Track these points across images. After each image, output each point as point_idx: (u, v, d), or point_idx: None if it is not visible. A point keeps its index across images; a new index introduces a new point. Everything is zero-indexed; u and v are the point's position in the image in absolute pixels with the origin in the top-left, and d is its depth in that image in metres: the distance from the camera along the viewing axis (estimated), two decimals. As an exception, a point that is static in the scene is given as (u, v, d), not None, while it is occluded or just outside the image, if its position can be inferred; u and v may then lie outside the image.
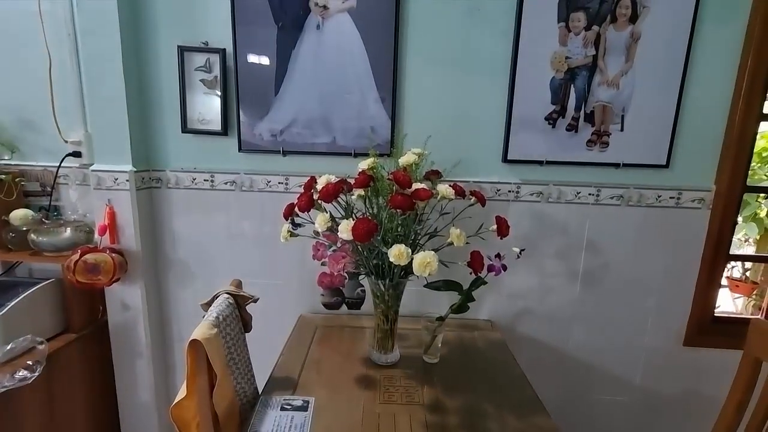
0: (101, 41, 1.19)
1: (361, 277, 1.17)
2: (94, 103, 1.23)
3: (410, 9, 1.21)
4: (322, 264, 1.10)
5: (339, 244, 1.05)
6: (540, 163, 1.26)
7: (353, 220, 0.85)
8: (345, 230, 0.86)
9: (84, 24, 1.19)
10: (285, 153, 1.28)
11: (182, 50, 1.24)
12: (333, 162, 1.28)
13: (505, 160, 1.26)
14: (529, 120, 1.23)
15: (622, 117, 1.22)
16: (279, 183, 1.31)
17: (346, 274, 1.22)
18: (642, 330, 1.34)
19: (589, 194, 1.28)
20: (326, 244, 1.08)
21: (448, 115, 1.25)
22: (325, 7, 1.20)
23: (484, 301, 1.35)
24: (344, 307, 1.38)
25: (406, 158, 0.95)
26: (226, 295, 0.97)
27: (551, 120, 1.23)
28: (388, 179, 0.92)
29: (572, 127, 1.24)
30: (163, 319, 1.41)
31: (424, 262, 0.82)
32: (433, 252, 0.84)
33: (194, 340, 0.78)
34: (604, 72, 1.20)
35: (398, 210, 0.86)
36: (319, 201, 0.93)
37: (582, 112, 1.23)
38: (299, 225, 1.09)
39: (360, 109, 1.25)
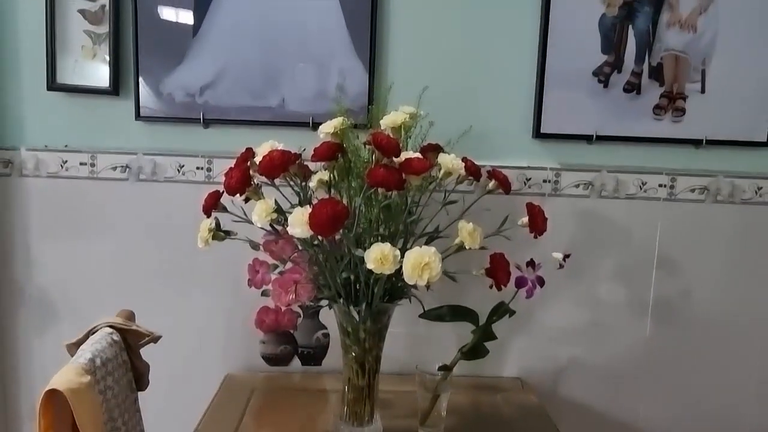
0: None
1: (323, 307, 1.14)
2: None
3: None
4: (263, 294, 1.07)
5: (287, 261, 1.02)
6: (588, 139, 1.27)
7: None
8: (299, 222, 0.83)
9: None
10: (208, 123, 1.27)
11: (52, -34, 1.22)
12: (281, 136, 1.21)
13: (537, 134, 1.27)
14: (571, 76, 1.24)
15: (703, 73, 1.26)
16: (198, 168, 1.29)
17: (299, 310, 1.19)
18: (744, 394, 1.34)
19: (660, 186, 1.30)
20: (269, 263, 1.05)
21: (453, 68, 1.26)
22: None
23: (509, 348, 1.33)
24: (297, 361, 1.35)
25: (392, 117, 0.95)
26: (109, 330, 0.94)
27: (602, 76, 1.25)
28: (366, 143, 0.91)
29: (632, 87, 1.26)
30: (6, 382, 1.34)
31: (421, 261, 0.80)
32: (433, 249, 0.83)
33: (52, 391, 0.74)
34: (675, 7, 1.24)
35: (380, 191, 0.84)
36: (258, 180, 0.92)
37: (646, 65, 1.25)
38: (227, 232, 1.06)
39: (321, 58, 1.25)
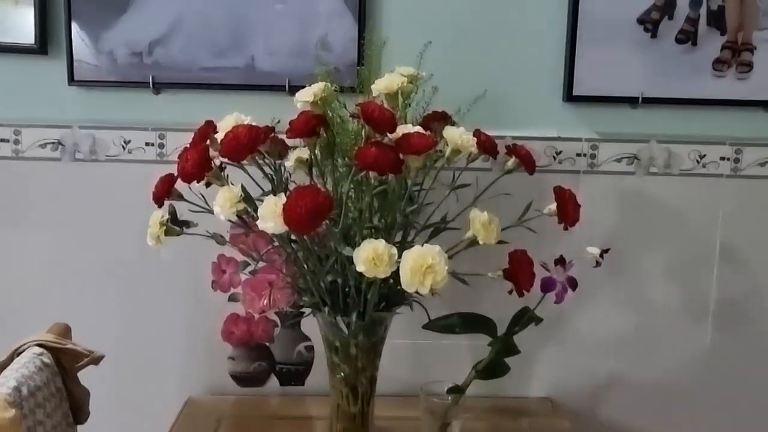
0: None
1: (304, 315, 1.15)
2: None
3: None
4: (231, 299, 1.07)
5: (260, 259, 1.03)
6: (632, 102, 1.27)
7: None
8: (271, 214, 0.83)
9: None
10: (159, 87, 1.27)
11: None
12: (250, 102, 1.23)
13: (569, 97, 1.26)
14: (610, 24, 1.24)
15: (774, 18, 1.25)
16: (147, 144, 1.29)
17: (276, 318, 1.20)
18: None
19: (723, 159, 1.30)
20: (238, 261, 1.07)
21: (461, 16, 1.26)
22: None
23: (536, 362, 1.34)
24: (274, 381, 1.36)
25: (387, 81, 0.94)
26: (39, 351, 0.93)
27: (649, 24, 1.24)
28: (353, 116, 0.90)
29: (687, 37, 1.25)
30: None
31: (422, 264, 0.80)
32: (437, 247, 0.83)
33: (-34, 429, 0.74)
34: (741, -64, 1.22)
35: (371, 174, 0.84)
36: (220, 161, 0.92)
37: (703, 9, 1.24)
38: (185, 223, 1.06)
39: (299, 3, 1.24)
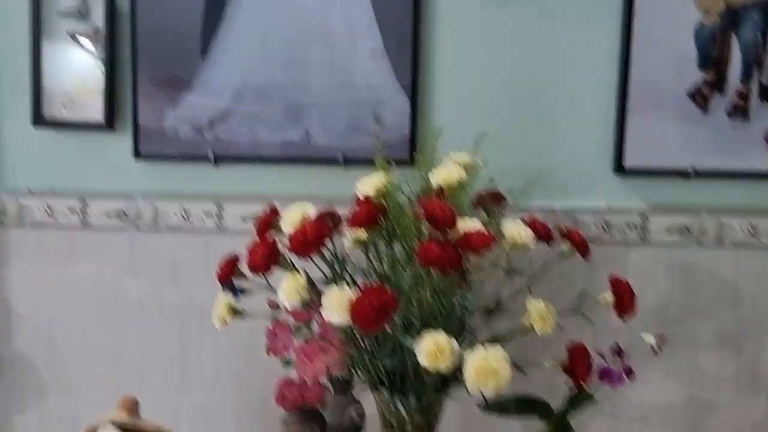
0: None
1: (356, 385, 1.16)
2: None
3: None
4: (286, 364, 1.09)
5: (316, 328, 1.04)
6: (683, 174, 1.27)
7: (352, 288, 0.85)
8: (335, 306, 0.86)
9: None
10: (218, 160, 1.31)
11: (37, -19, 1.27)
12: (306, 175, 1.30)
13: (619, 168, 1.27)
14: (660, 97, 1.25)
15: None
16: (207, 214, 1.33)
17: (329, 383, 1.21)
18: None
19: (777, 232, 1.29)
20: (292, 327, 1.08)
21: (512, 89, 1.28)
22: None
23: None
24: None
25: (447, 174, 0.96)
26: (113, 430, 0.96)
27: (700, 98, 1.25)
28: (416, 213, 0.92)
29: (738, 111, 1.25)
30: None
31: (488, 369, 0.81)
32: (500, 351, 0.84)
33: None
34: (792, 13, 1.23)
35: (433, 269, 0.85)
36: (286, 251, 0.94)
37: (755, 84, 1.25)
38: (243, 291, 1.09)
39: (354, 81, 1.27)
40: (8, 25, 1.31)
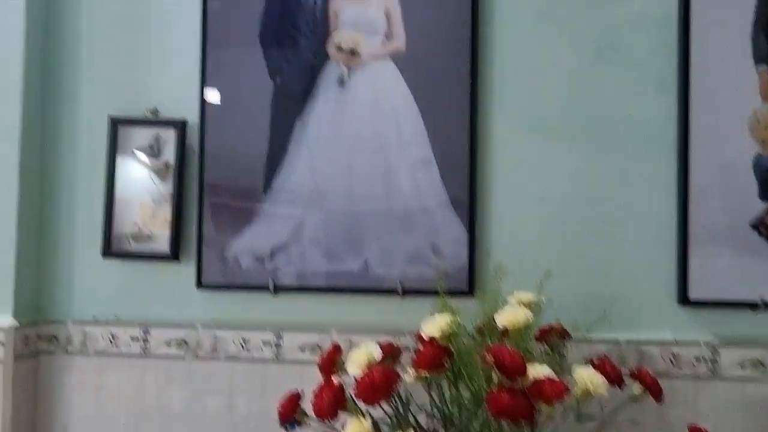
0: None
1: None
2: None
3: (496, 49, 1.32)
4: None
5: None
6: (752, 306, 1.24)
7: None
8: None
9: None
10: (278, 290, 1.33)
11: (115, 123, 1.37)
12: (364, 305, 1.31)
13: (684, 300, 1.26)
14: (722, 229, 1.25)
15: None
16: (265, 344, 1.34)
17: None
18: None
19: None
20: None
21: (571, 223, 1.30)
22: (353, 53, 1.32)
23: None
24: None
25: (513, 316, 0.96)
26: None
27: (764, 228, 1.24)
28: (483, 357, 0.90)
29: (805, 240, 1.24)
30: None
31: None
32: None
33: None
34: None
35: (504, 419, 0.84)
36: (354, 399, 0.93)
37: (820, 214, 1.24)
38: (299, 424, 1.08)
39: (412, 215, 1.31)
40: (86, 166, 1.40)
